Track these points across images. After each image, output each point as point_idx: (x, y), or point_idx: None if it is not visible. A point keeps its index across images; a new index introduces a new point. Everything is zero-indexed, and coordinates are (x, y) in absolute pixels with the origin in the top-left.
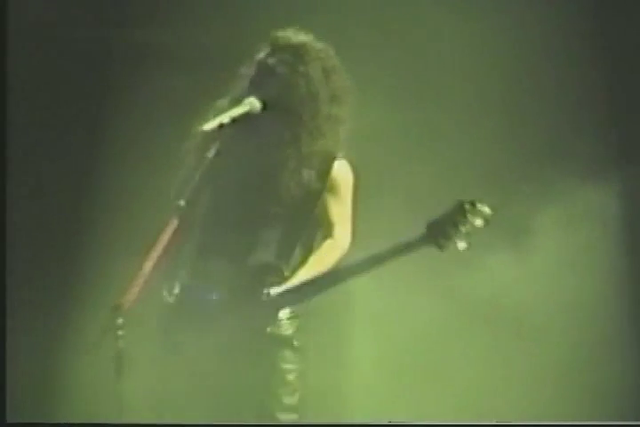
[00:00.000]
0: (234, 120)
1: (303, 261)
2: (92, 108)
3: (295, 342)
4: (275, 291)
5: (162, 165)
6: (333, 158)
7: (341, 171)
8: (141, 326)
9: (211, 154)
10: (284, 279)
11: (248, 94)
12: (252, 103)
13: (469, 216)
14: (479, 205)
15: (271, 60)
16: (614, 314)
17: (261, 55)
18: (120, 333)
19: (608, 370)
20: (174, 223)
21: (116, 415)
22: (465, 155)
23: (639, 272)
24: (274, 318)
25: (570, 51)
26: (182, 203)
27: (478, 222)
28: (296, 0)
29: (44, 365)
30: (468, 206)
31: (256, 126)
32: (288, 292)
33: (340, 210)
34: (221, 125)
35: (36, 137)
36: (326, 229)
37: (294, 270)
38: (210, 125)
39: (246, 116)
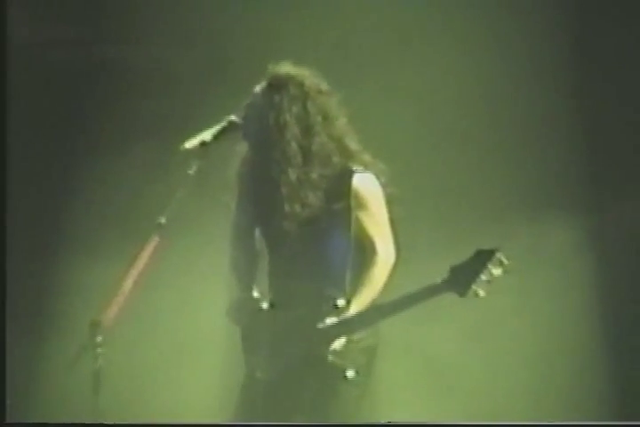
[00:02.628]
0: (215, 138)
1: (359, 284)
2: (76, 124)
3: (349, 373)
4: (328, 322)
5: (145, 182)
6: (350, 173)
7: (363, 184)
8: (121, 343)
9: (192, 171)
10: (338, 308)
11: (243, 126)
12: (233, 121)
13: (489, 265)
14: (498, 254)
15: (257, 90)
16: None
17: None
18: (99, 350)
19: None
20: (155, 241)
21: None
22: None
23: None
24: (328, 350)
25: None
26: (163, 220)
27: (497, 272)
28: (284, 32)
29: (23, 379)
30: (487, 255)
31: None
32: (340, 323)
33: (375, 223)
34: (203, 143)
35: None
36: (369, 246)
37: (349, 296)
38: (191, 143)
39: (227, 134)
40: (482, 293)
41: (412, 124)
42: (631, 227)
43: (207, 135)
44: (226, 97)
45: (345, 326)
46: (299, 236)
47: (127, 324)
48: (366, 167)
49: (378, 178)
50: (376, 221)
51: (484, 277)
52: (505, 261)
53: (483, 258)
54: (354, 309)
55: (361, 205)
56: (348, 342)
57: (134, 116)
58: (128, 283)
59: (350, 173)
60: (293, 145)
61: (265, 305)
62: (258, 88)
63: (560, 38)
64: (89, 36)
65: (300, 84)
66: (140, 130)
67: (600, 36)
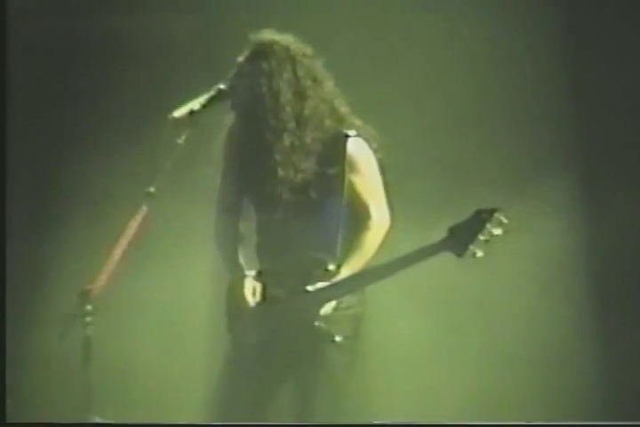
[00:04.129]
0: (204, 106)
1: (350, 249)
2: (66, 93)
3: (337, 337)
4: (313, 288)
5: (134, 152)
6: (345, 137)
7: (355, 148)
8: (110, 312)
9: (181, 140)
10: (329, 272)
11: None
12: (222, 90)
13: (488, 225)
14: (497, 215)
15: (240, 60)
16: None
17: (240, 56)
18: (88, 319)
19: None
20: (144, 210)
21: (85, 405)
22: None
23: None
24: (317, 314)
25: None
26: (152, 190)
27: (497, 231)
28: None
29: (11, 350)
30: (486, 215)
31: (235, 128)
32: (328, 288)
33: (369, 187)
34: (192, 112)
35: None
36: (362, 211)
37: (341, 261)
38: (180, 112)
39: (216, 102)
40: (479, 253)
41: (409, 87)
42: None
43: (196, 104)
44: (216, 65)
45: (335, 290)
46: (292, 202)
47: (116, 293)
48: (358, 132)
49: (369, 143)
50: (370, 185)
51: (482, 237)
52: (504, 221)
53: (482, 218)
54: (345, 273)
55: (355, 169)
56: (337, 308)
57: (123, 86)
58: (117, 252)
59: (344, 138)
60: (287, 110)
61: (252, 273)
62: (242, 58)
63: (554, 25)
64: (78, 6)
65: (286, 49)
66: (127, 99)
67: (594, 24)
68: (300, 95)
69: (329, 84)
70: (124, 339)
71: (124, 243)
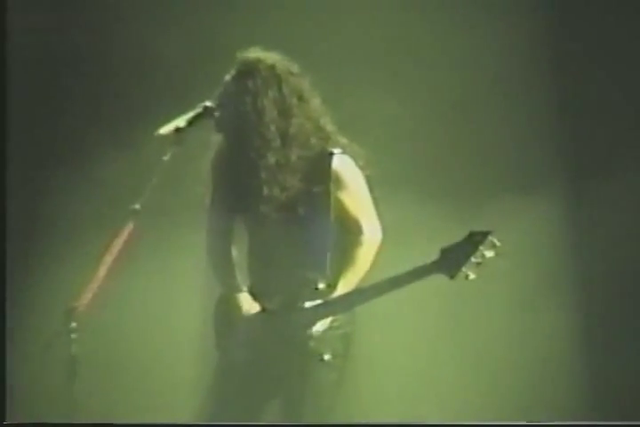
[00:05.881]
0: (190, 123)
1: (344, 265)
2: (55, 109)
3: (326, 356)
4: (310, 304)
5: (119, 168)
6: (330, 155)
7: (341, 165)
8: (95, 330)
9: (167, 157)
10: (318, 291)
11: (217, 116)
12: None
13: (481, 247)
14: (490, 237)
15: (227, 78)
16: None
17: (226, 75)
18: (73, 336)
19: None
20: (129, 227)
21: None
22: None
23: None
24: (308, 332)
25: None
26: (138, 206)
27: (489, 254)
28: (257, 18)
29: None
30: (479, 238)
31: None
32: (322, 305)
33: (358, 203)
34: (178, 129)
35: None
36: (354, 227)
37: (330, 279)
38: (166, 129)
39: (202, 120)
40: (472, 275)
41: (399, 104)
42: (620, 213)
43: (182, 121)
44: (203, 82)
45: (328, 308)
46: (278, 220)
47: (102, 310)
48: (344, 149)
49: (355, 160)
50: (359, 201)
51: (474, 259)
52: (497, 244)
53: (475, 240)
54: (340, 289)
55: (342, 186)
56: (328, 327)
57: (111, 101)
58: (102, 269)
59: (329, 156)
60: (272, 128)
61: (245, 289)
62: (228, 76)
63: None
64: (70, 19)
65: (272, 67)
66: (113, 117)
67: (580, 27)
68: (285, 113)
69: (315, 102)
70: (108, 356)
71: (109, 260)
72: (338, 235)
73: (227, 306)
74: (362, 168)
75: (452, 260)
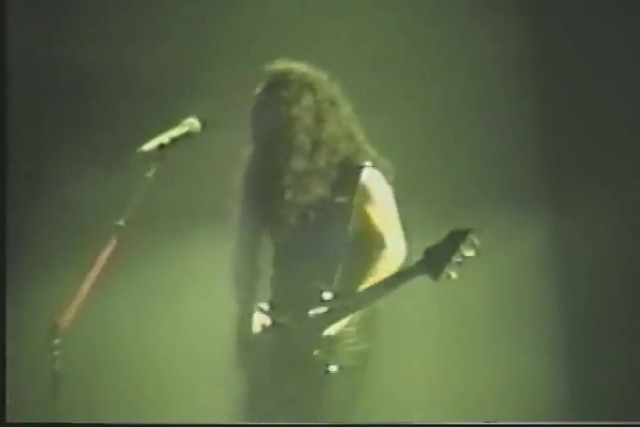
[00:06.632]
0: (174, 140)
1: (362, 278)
2: (34, 125)
3: (331, 367)
4: (311, 314)
5: (103, 183)
6: (360, 168)
7: (371, 179)
8: (79, 346)
9: (151, 174)
10: (324, 301)
11: (251, 129)
12: (192, 124)
13: (462, 246)
14: (470, 236)
15: (258, 91)
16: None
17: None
18: (57, 353)
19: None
20: (113, 243)
21: None
22: None
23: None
24: (311, 342)
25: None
26: (122, 223)
27: (469, 253)
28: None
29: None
30: (459, 237)
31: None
32: (321, 315)
33: (384, 218)
34: (161, 146)
35: None
36: (377, 241)
37: (337, 290)
38: (149, 146)
39: (187, 137)
40: (454, 275)
41: (390, 108)
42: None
43: (165, 138)
44: (188, 99)
45: (328, 316)
46: (297, 227)
47: (85, 327)
48: (374, 163)
49: (385, 175)
50: (385, 216)
51: (455, 258)
52: (477, 243)
53: (456, 239)
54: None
55: (370, 200)
56: (341, 342)
57: (92, 117)
58: (86, 286)
59: (359, 168)
60: (304, 135)
61: (265, 307)
62: (258, 89)
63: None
64: (52, 35)
65: (304, 76)
66: (97, 131)
67: (563, 39)
68: (318, 119)
69: (346, 110)
70: (92, 373)
71: (92, 276)
72: (361, 248)
73: (240, 327)
74: (391, 183)
75: (434, 260)
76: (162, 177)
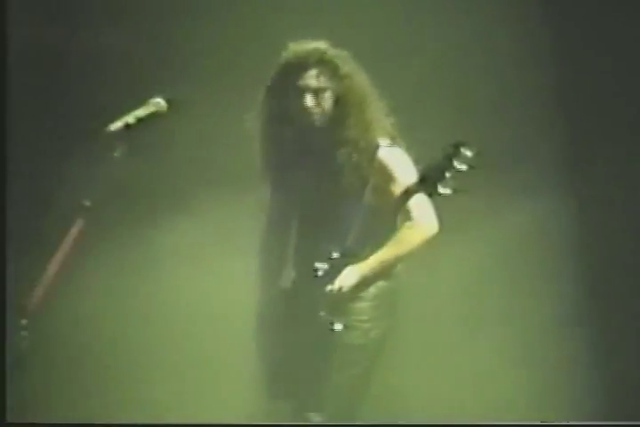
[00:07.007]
0: (139, 120)
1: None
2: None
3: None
4: (322, 270)
5: (71, 164)
6: (377, 146)
7: (391, 156)
8: (46, 327)
9: (117, 153)
10: (332, 259)
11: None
12: (158, 103)
13: (454, 161)
14: (462, 149)
15: (280, 74)
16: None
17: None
18: (24, 333)
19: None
20: (80, 224)
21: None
22: None
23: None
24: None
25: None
26: (88, 203)
27: (462, 167)
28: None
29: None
30: (451, 150)
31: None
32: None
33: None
34: (127, 126)
35: None
36: (404, 214)
37: (347, 250)
38: (115, 126)
39: (153, 116)
40: (448, 191)
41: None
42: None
43: (131, 118)
44: (156, 79)
45: (333, 273)
46: (318, 199)
47: (53, 307)
48: (394, 141)
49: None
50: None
51: (449, 174)
52: (469, 155)
53: (448, 154)
54: (371, 261)
55: (391, 177)
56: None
57: (61, 99)
58: (53, 266)
59: (377, 147)
60: (331, 110)
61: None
62: (282, 70)
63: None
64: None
65: (325, 53)
66: (64, 112)
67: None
68: (342, 95)
69: (369, 87)
70: (59, 354)
71: (59, 257)
72: (381, 219)
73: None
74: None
75: (429, 178)
76: (130, 157)
